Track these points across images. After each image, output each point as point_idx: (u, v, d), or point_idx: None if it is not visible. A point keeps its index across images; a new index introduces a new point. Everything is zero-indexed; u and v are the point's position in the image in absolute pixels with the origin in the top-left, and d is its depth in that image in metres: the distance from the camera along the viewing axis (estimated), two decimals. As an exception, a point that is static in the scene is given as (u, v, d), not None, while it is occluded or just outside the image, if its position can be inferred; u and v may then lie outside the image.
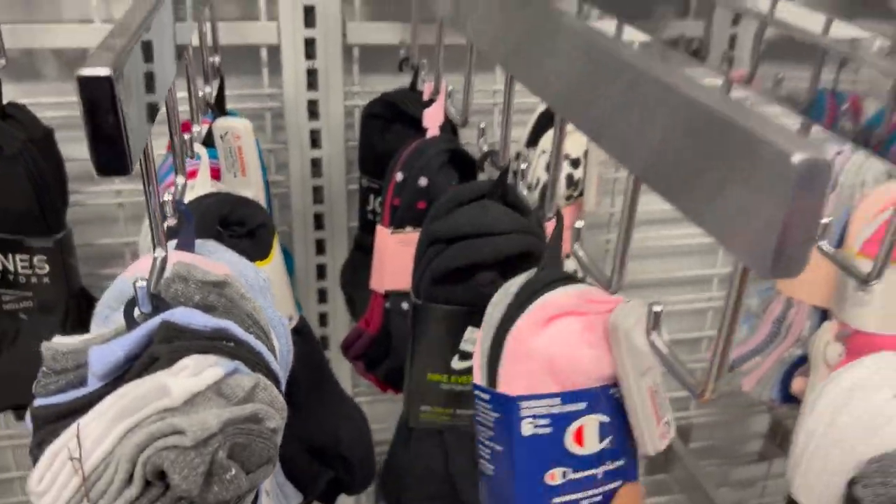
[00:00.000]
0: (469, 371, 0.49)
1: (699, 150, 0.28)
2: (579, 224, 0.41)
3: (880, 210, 0.63)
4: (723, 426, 1.07)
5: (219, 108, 0.65)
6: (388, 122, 0.72)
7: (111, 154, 0.30)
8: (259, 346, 0.35)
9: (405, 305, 0.67)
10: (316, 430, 0.57)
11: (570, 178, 0.77)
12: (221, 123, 0.56)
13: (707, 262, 0.96)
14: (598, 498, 0.40)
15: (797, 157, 0.23)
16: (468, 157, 0.65)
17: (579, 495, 0.39)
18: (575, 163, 0.77)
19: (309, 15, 0.73)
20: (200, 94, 0.56)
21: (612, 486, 0.40)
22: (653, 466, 1.07)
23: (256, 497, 0.41)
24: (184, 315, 0.34)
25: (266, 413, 0.33)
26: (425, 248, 0.49)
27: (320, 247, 0.82)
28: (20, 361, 0.69)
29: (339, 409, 0.60)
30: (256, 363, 0.35)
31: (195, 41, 0.56)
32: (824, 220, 0.51)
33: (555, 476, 0.39)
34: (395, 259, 0.66)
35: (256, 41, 0.73)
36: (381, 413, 0.84)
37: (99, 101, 0.29)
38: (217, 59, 0.66)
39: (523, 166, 0.49)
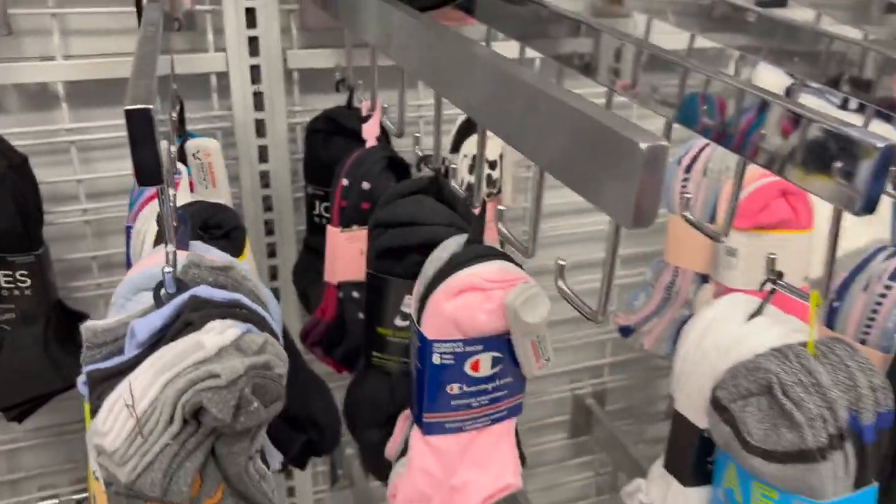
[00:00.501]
0: (408, 328, 0.62)
1: (581, 144, 0.39)
2: (501, 207, 0.53)
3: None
4: (634, 389, 1.21)
5: (181, 130, 0.74)
6: (329, 135, 0.82)
7: (150, 169, 0.40)
8: (263, 313, 0.45)
9: (356, 294, 0.78)
10: (291, 400, 0.67)
11: (488, 177, 0.89)
12: (194, 143, 0.65)
13: (611, 246, 1.10)
14: (486, 401, 0.55)
15: (643, 145, 0.35)
16: (403, 163, 0.76)
17: (471, 400, 0.55)
18: (492, 165, 0.89)
19: (253, 45, 0.82)
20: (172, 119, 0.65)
21: (499, 394, 0.56)
22: (575, 429, 1.20)
23: (266, 462, 0.51)
24: (205, 291, 0.44)
25: (275, 362, 0.44)
26: (371, 230, 0.61)
27: (271, 250, 0.91)
28: (4, 368, 0.76)
29: (309, 383, 0.70)
30: (263, 326, 0.45)
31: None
32: (688, 195, 0.65)
33: (453, 388, 0.54)
34: (345, 254, 0.76)
35: (207, 70, 0.82)
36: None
37: (142, 129, 0.39)
38: (174, 86, 0.75)
39: (453, 166, 0.61)
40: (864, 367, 0.48)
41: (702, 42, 0.87)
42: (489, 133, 0.60)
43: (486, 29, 0.86)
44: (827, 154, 0.43)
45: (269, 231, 0.90)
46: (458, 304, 0.53)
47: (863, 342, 0.64)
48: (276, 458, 0.64)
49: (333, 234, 0.76)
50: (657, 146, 0.35)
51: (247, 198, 0.87)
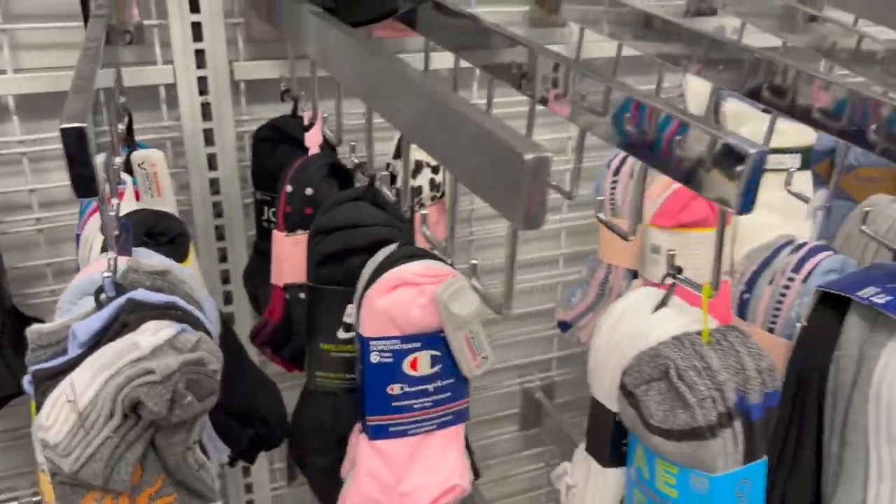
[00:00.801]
0: (353, 341, 0.64)
1: (485, 156, 0.43)
2: (424, 211, 0.57)
3: (663, 191, 0.83)
4: (581, 383, 1.25)
5: (129, 140, 0.77)
6: (275, 143, 0.86)
7: (85, 182, 0.43)
8: (198, 313, 0.49)
9: (302, 295, 0.81)
10: (238, 397, 0.70)
11: (432, 181, 0.93)
12: (139, 154, 0.68)
13: (554, 245, 1.15)
14: (429, 404, 0.58)
15: (527, 156, 0.39)
16: (345, 169, 0.80)
17: (413, 401, 0.57)
18: (435, 169, 0.93)
19: (200, 57, 0.85)
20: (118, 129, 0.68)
21: (441, 396, 0.58)
22: (525, 422, 1.24)
23: (206, 453, 0.54)
24: (142, 294, 0.47)
25: (208, 359, 0.47)
26: (311, 239, 0.64)
27: (223, 255, 0.94)
28: (-39, 374, 0.78)
29: (256, 381, 0.73)
30: (197, 325, 0.49)
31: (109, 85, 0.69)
32: (600, 198, 0.70)
33: (394, 389, 0.57)
34: (291, 257, 0.79)
35: (156, 81, 0.85)
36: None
37: (77, 146, 0.42)
38: (123, 99, 0.78)
39: (384, 173, 0.65)
40: (752, 352, 0.53)
41: (638, 50, 0.91)
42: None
43: (423, 40, 0.89)
44: (711, 161, 0.48)
45: (221, 236, 0.93)
46: (392, 300, 0.56)
47: (771, 330, 0.69)
48: (223, 451, 0.68)
49: (279, 238, 0.79)
50: (540, 157, 0.39)
51: (197, 204, 0.90)
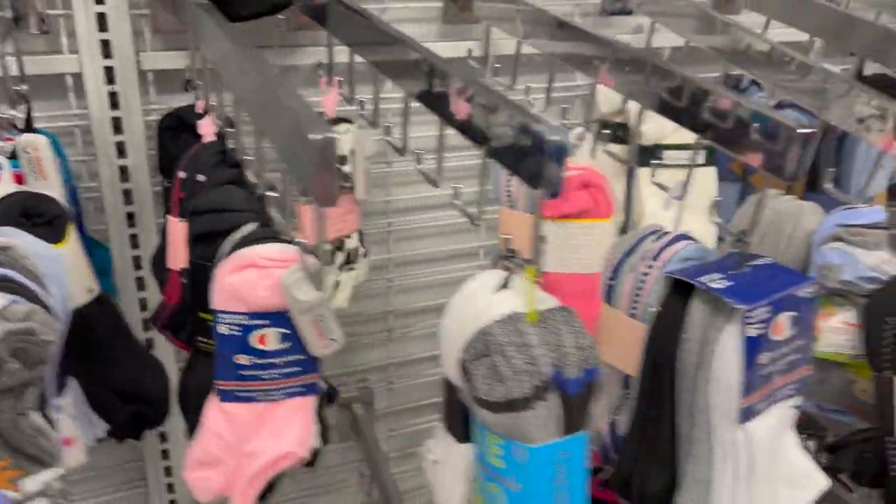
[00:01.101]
0: None
1: (295, 142, 0.46)
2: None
3: (549, 181, 0.85)
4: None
5: (27, 128, 0.79)
6: (179, 132, 0.88)
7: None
8: (36, 287, 0.51)
9: (197, 279, 0.84)
10: (119, 375, 0.73)
11: (338, 171, 0.95)
12: (23, 139, 0.71)
13: (473, 238, 1.17)
14: (277, 375, 0.60)
15: (313, 136, 0.42)
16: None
17: (261, 372, 0.60)
18: (342, 159, 0.95)
19: (106, 47, 0.88)
20: (3, 116, 0.70)
21: (290, 370, 0.61)
22: (448, 411, 1.27)
23: (50, 421, 0.56)
24: (-25, 267, 0.50)
25: (40, 330, 0.50)
26: (189, 217, 0.67)
27: (134, 241, 0.97)
28: None
29: (140, 360, 0.76)
30: (34, 299, 0.51)
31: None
32: (455, 186, 0.72)
33: (241, 359, 0.60)
34: (184, 242, 0.82)
35: (62, 70, 0.88)
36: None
37: None
38: (24, 87, 0.80)
39: (249, 158, 0.67)
40: (575, 331, 0.55)
41: (549, 49, 0.93)
42: (341, 128, 0.65)
43: (326, 35, 0.92)
44: (526, 150, 0.51)
45: (132, 223, 0.96)
46: (240, 279, 0.59)
47: (633, 316, 0.72)
48: (99, 426, 0.70)
49: (173, 223, 0.81)
50: (325, 138, 0.42)
51: (107, 191, 0.93)
